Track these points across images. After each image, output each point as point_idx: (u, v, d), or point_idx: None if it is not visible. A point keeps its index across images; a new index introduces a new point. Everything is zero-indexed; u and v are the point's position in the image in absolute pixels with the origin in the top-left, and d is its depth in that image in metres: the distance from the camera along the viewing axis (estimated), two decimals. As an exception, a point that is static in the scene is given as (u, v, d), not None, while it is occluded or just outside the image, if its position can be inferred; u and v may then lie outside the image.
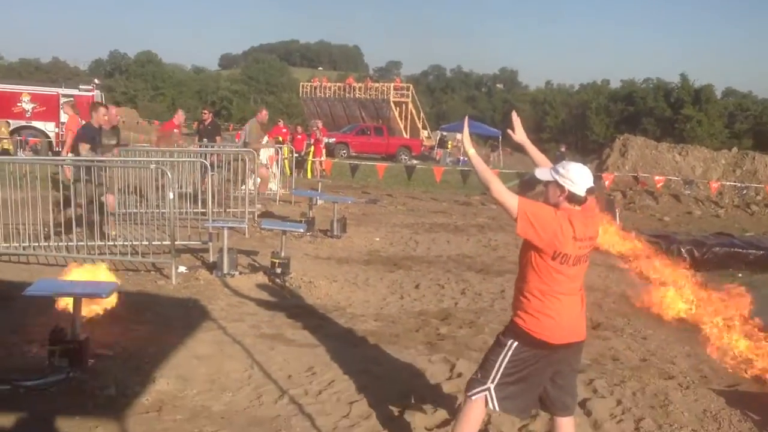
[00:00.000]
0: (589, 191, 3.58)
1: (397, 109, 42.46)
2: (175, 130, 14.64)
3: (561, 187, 3.55)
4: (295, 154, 20.03)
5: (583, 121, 60.79)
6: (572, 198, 3.54)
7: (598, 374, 5.45)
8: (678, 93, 55.49)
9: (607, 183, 19.15)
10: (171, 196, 7.73)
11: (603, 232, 11.53)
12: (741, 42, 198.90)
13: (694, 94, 54.58)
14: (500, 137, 34.77)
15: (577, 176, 3.53)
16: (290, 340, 5.81)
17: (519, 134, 4.19)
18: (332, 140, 32.83)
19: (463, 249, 10.61)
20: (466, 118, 4.29)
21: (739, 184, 19.79)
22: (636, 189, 19.85)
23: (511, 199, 3.48)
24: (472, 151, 3.78)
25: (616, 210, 14.55)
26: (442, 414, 4.54)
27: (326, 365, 5.23)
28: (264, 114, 14.80)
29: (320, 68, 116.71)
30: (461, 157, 36.22)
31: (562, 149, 27.62)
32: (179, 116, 15.11)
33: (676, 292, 8.19)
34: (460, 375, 5.11)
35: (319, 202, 12.63)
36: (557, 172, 3.59)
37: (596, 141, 49.71)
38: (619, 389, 5.17)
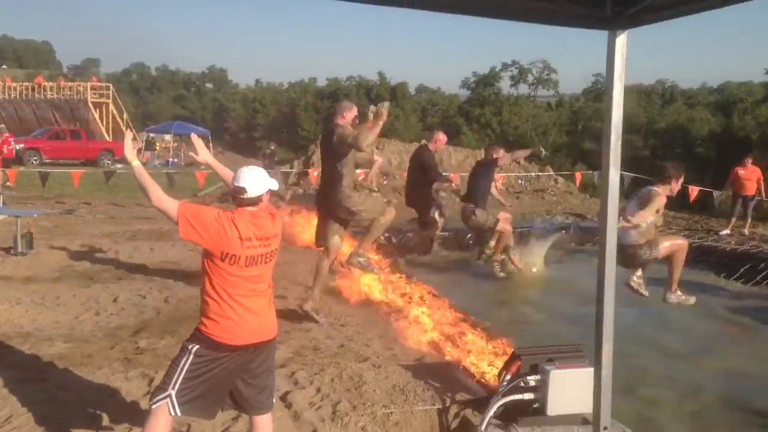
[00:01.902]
0: (267, 193, 3.73)
1: (97, 110, 39.76)
2: None
3: (237, 190, 3.65)
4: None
5: (293, 119, 62.42)
6: (246, 201, 3.65)
7: (299, 366, 5.64)
8: (378, 90, 59.54)
9: (312, 178, 19.92)
10: None
11: (308, 226, 11.96)
12: (427, 41, 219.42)
13: (391, 91, 59.02)
14: (210, 137, 34.30)
15: (249, 179, 3.65)
16: (-43, 378, 5.14)
17: (203, 155, 4.29)
18: (20, 146, 29.64)
19: (168, 255, 10.28)
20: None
21: (428, 174, 21.79)
22: (340, 183, 20.88)
23: (170, 204, 3.54)
24: (136, 162, 3.75)
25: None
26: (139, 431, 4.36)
27: (3, 400, 4.70)
28: None
29: (3, 66, 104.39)
30: (171, 159, 35.09)
31: (272, 147, 27.95)
32: None
33: (373, 279, 8.76)
34: (159, 388, 4.94)
35: (0, 217, 11.36)
36: (235, 178, 3.70)
37: (306, 137, 51.35)
38: (319, 377, 5.40)
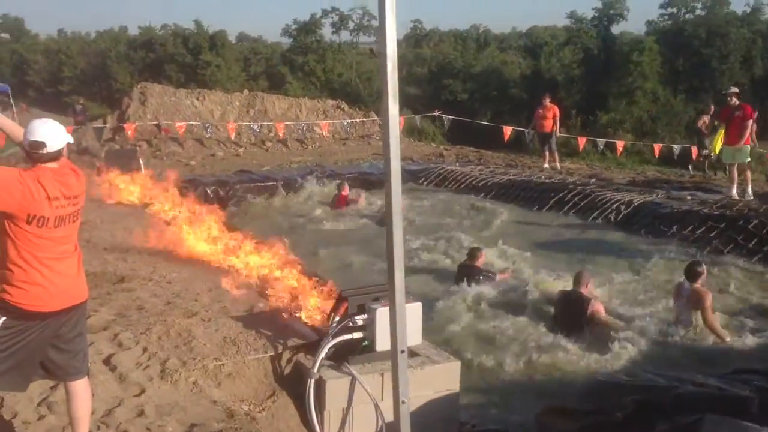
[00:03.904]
0: (66, 147, 3.50)
1: None
2: None
3: (34, 145, 3.39)
4: None
5: (105, 71, 58.37)
6: (46, 156, 3.40)
7: (123, 327, 5.41)
8: (195, 39, 56.93)
9: (129, 133, 18.90)
10: None
11: (127, 184, 11.41)
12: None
13: (210, 40, 56.67)
14: (9, 92, 31.25)
15: (46, 132, 3.40)
16: None
17: None
18: None
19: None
20: None
21: (253, 124, 21.47)
22: (160, 137, 20.03)
23: None
24: None
25: (141, 160, 14.49)
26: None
27: None
28: None
29: None
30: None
31: (81, 102, 26.16)
32: None
33: (198, 233, 8.56)
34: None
35: None
36: (29, 132, 3.42)
37: (122, 90, 48.27)
38: (145, 337, 5.23)
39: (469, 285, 8.49)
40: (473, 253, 9.09)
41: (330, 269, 8.78)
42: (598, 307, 7.41)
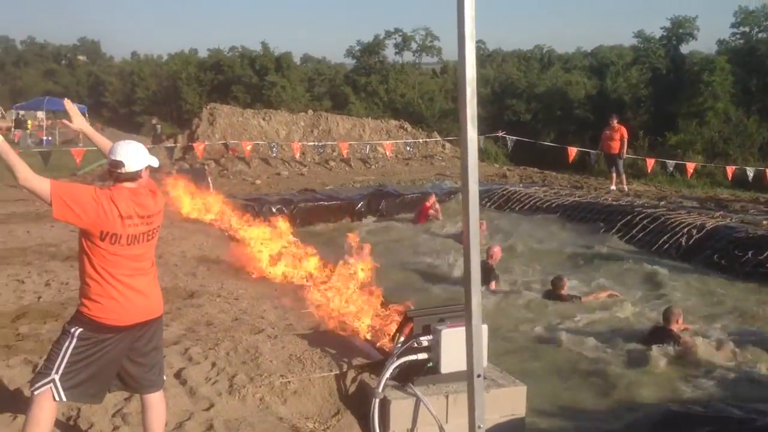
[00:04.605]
0: (147, 169, 3.61)
1: (-44, 87, 36.88)
2: None
3: (113, 164, 3.51)
4: None
5: (176, 92, 60.28)
6: (124, 176, 3.52)
7: (193, 342, 5.55)
8: (261, 61, 58.30)
9: (198, 152, 19.42)
10: None
11: (197, 202, 11.69)
12: (309, 9, 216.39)
13: (276, 62, 57.95)
14: (86, 112, 32.57)
15: (126, 153, 3.51)
16: None
17: (77, 122, 4.07)
18: None
19: (47, 238, 9.77)
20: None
21: (317, 143, 21.77)
22: (228, 156, 20.49)
23: (42, 184, 3.33)
24: None
25: (209, 178, 14.84)
26: (22, 420, 4.16)
27: None
28: None
29: None
30: (45, 137, 33.17)
31: (153, 122, 27.10)
32: None
33: (265, 251, 8.69)
34: (43, 374, 4.73)
35: None
36: (111, 151, 3.55)
37: (191, 111, 49.74)
38: (214, 352, 5.33)
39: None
40: (557, 283, 9.05)
41: (397, 288, 8.80)
42: (690, 344, 7.23)
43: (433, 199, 14.07)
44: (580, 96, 41.73)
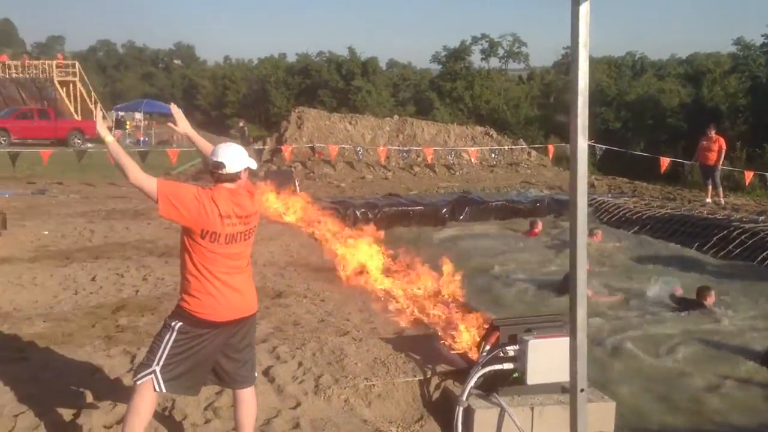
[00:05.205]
0: (246, 171, 3.73)
1: (64, 89, 38.92)
2: None
3: (215, 165, 3.64)
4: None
5: (264, 96, 61.79)
6: (225, 177, 3.64)
7: (281, 341, 5.68)
8: (348, 65, 59.07)
9: (286, 154, 19.85)
10: None
11: (285, 203, 11.95)
12: (396, 15, 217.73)
13: (362, 66, 58.62)
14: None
15: (227, 155, 3.64)
16: (-63, 360, 5.11)
17: (182, 126, 4.23)
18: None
19: (144, 234, 10.22)
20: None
21: (402, 148, 21.87)
22: (314, 159, 20.86)
23: (149, 183, 3.49)
24: (110, 138, 3.68)
25: (296, 180, 15.15)
26: (122, 408, 4.34)
27: (-17, 381, 4.70)
28: None
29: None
30: (142, 138, 34.63)
31: (241, 124, 27.88)
32: None
33: (350, 254, 8.80)
34: (141, 365, 4.96)
35: (-29, 198, 11.22)
36: (213, 153, 3.69)
37: (278, 114, 50.88)
38: (300, 352, 5.45)
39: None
40: (702, 292, 8.83)
41: (485, 296, 8.75)
42: None
43: (540, 226, 13.70)
44: (674, 104, 40.29)
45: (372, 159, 21.16)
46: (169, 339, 3.58)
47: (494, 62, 59.23)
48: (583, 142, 2.63)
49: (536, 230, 13.48)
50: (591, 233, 11.46)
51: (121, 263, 8.37)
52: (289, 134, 21.85)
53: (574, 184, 2.63)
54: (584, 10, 2.54)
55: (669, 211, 14.21)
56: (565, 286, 8.98)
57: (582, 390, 2.80)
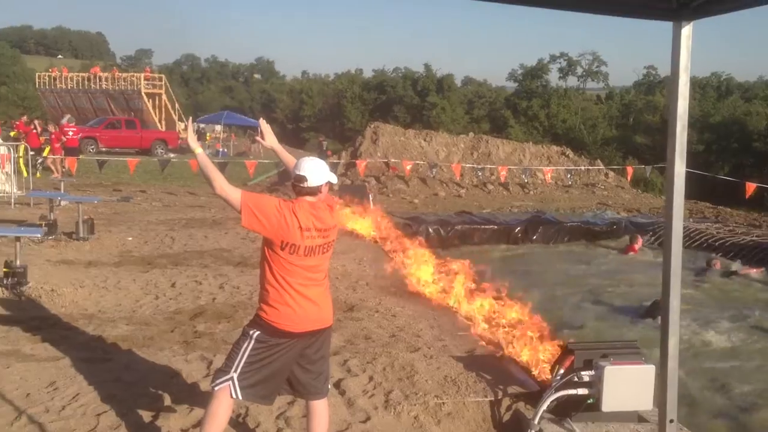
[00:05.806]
0: (327, 185, 3.78)
1: (150, 100, 40.44)
2: None
3: (298, 178, 3.71)
4: (31, 152, 18.07)
5: (340, 110, 62.65)
6: (306, 190, 3.71)
7: (352, 354, 5.72)
8: (423, 82, 59.32)
9: (360, 169, 20.04)
10: None
11: (358, 217, 12.07)
12: (473, 33, 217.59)
13: (437, 83, 58.75)
14: (259, 128, 34.55)
15: (310, 169, 3.70)
16: (28, 355, 5.36)
17: (269, 140, 4.33)
18: (78, 135, 30.39)
19: (221, 243, 10.49)
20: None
21: (476, 166, 21.77)
22: (388, 174, 20.99)
23: (234, 194, 3.57)
24: (199, 150, 3.80)
25: (370, 195, 15.27)
26: (198, 413, 4.46)
27: (70, 378, 4.90)
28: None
29: (60, 56, 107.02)
30: (221, 149, 35.59)
31: (320, 139, 28.39)
32: None
33: (423, 271, 8.81)
34: (217, 371, 5.08)
35: (63, 203, 11.74)
36: (296, 167, 3.76)
37: (353, 129, 51.50)
38: (371, 366, 5.46)
39: None
40: None
41: (556, 316, 8.57)
42: None
43: (640, 242, 13.41)
44: (761, 127, 38.76)
45: (445, 176, 21.14)
46: (247, 347, 3.65)
47: (572, 81, 58.41)
48: (680, 167, 2.57)
49: (636, 246, 13.14)
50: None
51: (199, 271, 8.61)
52: (364, 149, 22.08)
53: (670, 209, 2.56)
54: (686, 32, 2.48)
55: (755, 238, 13.63)
56: (651, 311, 8.71)
57: (672, 421, 2.71)
